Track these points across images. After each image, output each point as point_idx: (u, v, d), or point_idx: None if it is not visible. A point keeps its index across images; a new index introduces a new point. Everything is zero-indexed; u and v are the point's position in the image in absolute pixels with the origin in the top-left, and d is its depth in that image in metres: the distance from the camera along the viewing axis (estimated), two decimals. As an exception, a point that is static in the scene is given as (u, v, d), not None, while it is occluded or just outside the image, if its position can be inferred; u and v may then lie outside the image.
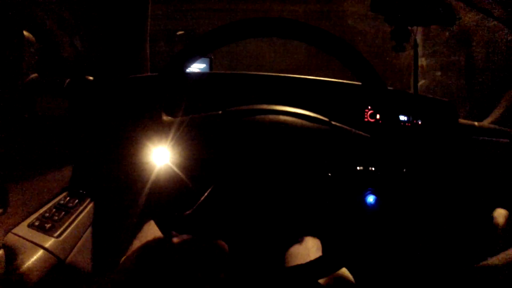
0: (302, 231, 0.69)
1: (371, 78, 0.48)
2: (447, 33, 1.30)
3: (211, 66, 0.93)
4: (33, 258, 0.59)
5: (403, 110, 0.73)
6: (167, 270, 0.52)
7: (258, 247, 0.66)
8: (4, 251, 0.58)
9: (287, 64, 1.69)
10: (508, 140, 0.77)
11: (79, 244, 0.67)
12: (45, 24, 0.75)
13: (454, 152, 0.74)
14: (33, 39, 0.68)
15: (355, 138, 0.53)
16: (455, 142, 0.74)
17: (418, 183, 0.72)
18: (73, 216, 0.67)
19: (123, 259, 0.56)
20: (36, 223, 0.63)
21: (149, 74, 0.86)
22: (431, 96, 0.77)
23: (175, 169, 0.54)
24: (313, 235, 0.69)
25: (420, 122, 0.72)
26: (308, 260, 0.50)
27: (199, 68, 0.92)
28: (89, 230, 0.71)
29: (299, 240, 0.66)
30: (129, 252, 0.59)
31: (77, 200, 0.69)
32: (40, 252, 0.60)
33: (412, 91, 0.76)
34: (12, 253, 0.58)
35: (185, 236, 0.57)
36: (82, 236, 0.68)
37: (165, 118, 0.51)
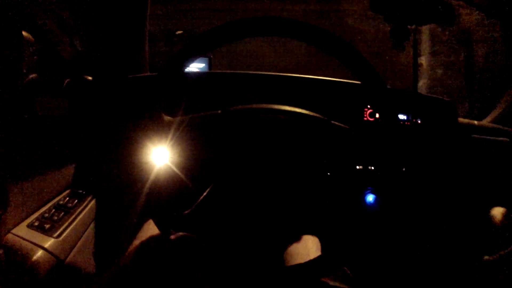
0: (302, 230, 0.69)
1: (370, 77, 0.48)
2: (447, 32, 1.30)
3: (210, 65, 0.92)
4: (33, 258, 0.59)
5: (403, 109, 0.73)
6: (167, 269, 0.52)
7: (258, 246, 0.66)
8: (4, 251, 0.58)
9: (287, 64, 1.69)
10: (508, 139, 0.77)
11: (79, 244, 0.67)
12: (45, 24, 0.75)
13: (453, 151, 0.74)
14: (32, 39, 0.68)
15: (335, 130, 0.53)
16: (454, 141, 0.74)
17: (418, 182, 0.72)
18: (73, 216, 0.67)
19: (122, 258, 0.56)
20: (36, 224, 0.63)
21: (148, 74, 0.86)
22: (431, 95, 0.77)
23: (175, 169, 0.54)
24: (313, 234, 0.69)
25: (419, 121, 0.72)
26: (308, 259, 0.50)
27: (198, 68, 0.92)
28: (89, 230, 0.71)
29: (298, 239, 0.66)
30: (128, 252, 0.59)
31: (76, 200, 0.69)
32: (40, 252, 0.60)
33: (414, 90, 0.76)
34: (12, 253, 0.58)
35: (184, 236, 0.57)
36: (82, 236, 0.68)
37: (164, 117, 0.51)
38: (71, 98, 0.74)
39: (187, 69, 0.79)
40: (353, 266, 0.61)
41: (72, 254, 0.65)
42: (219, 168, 0.61)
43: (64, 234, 0.64)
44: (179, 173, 0.55)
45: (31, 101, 0.70)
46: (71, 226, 0.66)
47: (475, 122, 0.81)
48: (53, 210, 0.67)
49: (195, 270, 0.53)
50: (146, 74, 0.86)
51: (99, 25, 0.81)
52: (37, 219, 0.65)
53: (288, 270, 0.50)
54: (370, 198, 0.67)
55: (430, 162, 0.73)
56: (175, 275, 0.52)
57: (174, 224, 0.50)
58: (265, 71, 0.76)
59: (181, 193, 0.59)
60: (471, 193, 0.75)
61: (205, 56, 0.92)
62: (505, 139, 0.78)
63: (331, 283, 0.56)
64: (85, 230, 0.69)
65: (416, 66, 0.78)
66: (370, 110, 0.72)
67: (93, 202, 0.72)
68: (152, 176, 0.56)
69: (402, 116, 0.72)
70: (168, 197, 0.52)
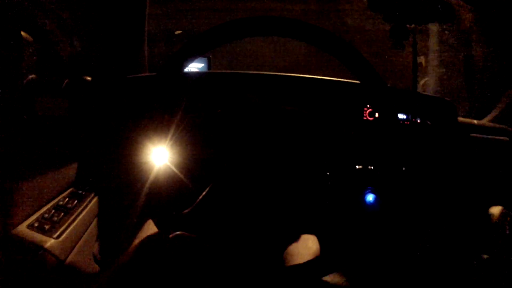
0: (302, 230, 0.69)
1: (369, 76, 0.48)
2: (447, 32, 1.30)
3: (209, 65, 0.93)
4: (33, 259, 0.59)
5: (402, 108, 0.73)
6: (167, 269, 0.52)
7: (257, 245, 0.66)
8: (4, 251, 0.58)
9: (286, 63, 1.69)
10: (508, 139, 0.77)
11: (79, 244, 0.67)
12: (44, 24, 0.75)
13: (453, 150, 0.74)
14: (32, 39, 0.69)
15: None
16: (454, 140, 0.74)
17: (418, 181, 0.72)
18: (73, 217, 0.67)
19: (122, 258, 0.56)
20: (36, 224, 0.64)
21: (147, 74, 0.86)
22: (431, 94, 0.77)
23: (174, 169, 0.54)
24: (313, 234, 0.69)
25: (419, 121, 0.72)
26: (308, 259, 0.50)
27: (198, 68, 0.92)
28: (89, 230, 0.71)
29: (298, 239, 0.66)
30: (128, 252, 0.59)
31: (76, 201, 0.69)
32: (40, 252, 0.60)
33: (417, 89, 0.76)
34: (11, 254, 0.59)
35: (184, 235, 0.57)
36: (82, 237, 0.68)
37: (163, 118, 0.51)
38: (70, 98, 0.74)
39: (186, 69, 0.79)
40: (353, 266, 0.61)
41: (72, 254, 0.65)
42: (218, 167, 0.61)
43: (64, 235, 0.64)
44: (179, 173, 0.55)
45: (31, 101, 0.70)
46: (71, 227, 0.66)
47: (475, 121, 0.81)
48: (53, 210, 0.67)
49: (195, 270, 0.53)
50: (145, 74, 0.86)
51: (98, 25, 0.81)
52: (37, 219, 0.65)
53: (288, 270, 0.50)
54: (370, 197, 0.67)
55: (430, 162, 0.73)
56: (175, 275, 0.52)
57: (174, 223, 0.50)
58: (265, 71, 0.76)
59: (181, 193, 0.59)
60: (471, 192, 0.75)
61: (204, 56, 0.92)
62: (505, 138, 0.78)
63: (331, 283, 0.56)
64: (85, 231, 0.70)
65: (416, 65, 0.78)
66: (370, 110, 0.72)
67: (93, 202, 0.72)
68: (151, 176, 0.56)
69: (401, 116, 0.72)
70: (167, 197, 0.52)
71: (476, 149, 0.76)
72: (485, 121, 0.88)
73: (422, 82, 1.46)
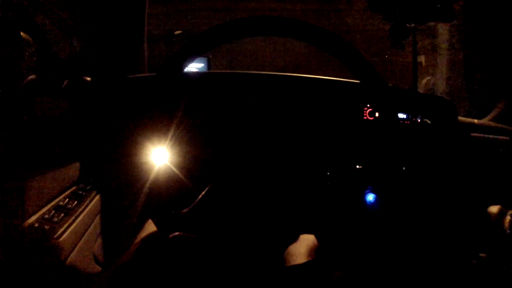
0: (302, 230, 0.69)
1: (369, 76, 0.48)
2: (446, 31, 1.30)
3: (209, 65, 0.93)
4: (33, 259, 0.59)
5: (402, 108, 0.73)
6: (167, 269, 0.52)
7: (257, 245, 0.66)
8: (4, 251, 0.58)
9: (286, 63, 1.69)
10: (508, 138, 0.77)
11: (79, 244, 0.67)
12: (44, 24, 0.75)
13: (453, 150, 0.74)
14: (31, 40, 0.69)
15: None
16: (454, 140, 0.74)
17: (418, 181, 0.72)
18: (73, 217, 0.67)
19: (122, 258, 0.56)
20: (36, 225, 0.63)
21: (147, 74, 0.86)
22: (431, 93, 0.77)
23: (174, 169, 0.54)
24: (313, 234, 0.69)
25: (419, 120, 0.72)
26: (308, 259, 0.50)
27: (197, 68, 0.92)
28: (89, 230, 0.71)
29: (298, 239, 0.66)
30: (128, 252, 0.59)
31: (76, 201, 0.69)
32: (40, 252, 0.60)
33: (419, 89, 0.76)
34: (11, 254, 0.59)
35: (184, 235, 0.57)
36: (82, 237, 0.68)
37: (163, 118, 0.51)
38: (70, 99, 0.74)
39: (186, 69, 0.79)
40: (353, 266, 0.61)
41: (72, 254, 0.65)
42: (218, 167, 0.61)
43: (64, 235, 0.64)
44: (179, 173, 0.55)
45: (31, 101, 0.70)
46: (71, 227, 0.66)
47: (475, 121, 0.81)
48: (53, 211, 0.67)
49: (195, 270, 0.53)
50: (144, 74, 0.86)
51: (98, 25, 0.81)
52: (37, 220, 0.65)
53: (288, 270, 0.50)
54: (370, 197, 0.67)
55: (430, 161, 0.73)
56: (175, 275, 0.52)
57: (173, 223, 0.50)
58: (265, 71, 0.76)
59: (181, 193, 0.59)
60: (471, 192, 0.75)
61: (204, 56, 0.92)
62: (505, 137, 0.77)
63: (331, 283, 0.56)
64: (85, 231, 0.70)
65: (416, 65, 0.78)
66: (370, 109, 0.72)
67: (93, 202, 0.72)
68: (152, 176, 0.56)
69: (401, 115, 0.72)
70: (167, 197, 0.52)
71: (476, 148, 0.76)
72: (485, 120, 0.88)
73: (424, 81, 1.46)
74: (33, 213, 0.65)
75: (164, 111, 0.51)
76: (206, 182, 0.61)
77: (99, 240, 0.73)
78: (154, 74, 0.50)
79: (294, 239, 0.66)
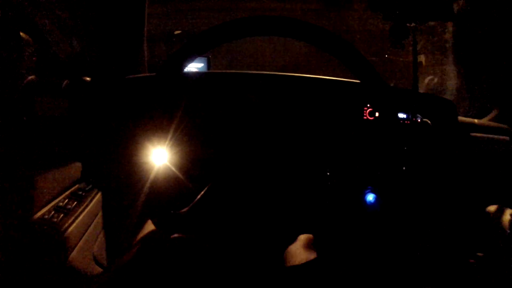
0: (302, 230, 0.69)
1: (369, 76, 0.48)
2: (446, 30, 1.30)
3: (209, 65, 0.92)
4: (33, 259, 0.59)
5: (402, 107, 0.73)
6: (167, 269, 0.52)
7: (256, 245, 0.66)
8: (4, 252, 0.58)
9: (286, 63, 1.69)
10: (508, 138, 0.77)
11: (79, 245, 0.67)
12: (44, 24, 0.75)
13: (453, 149, 0.74)
14: (31, 40, 0.69)
15: None
16: (454, 139, 0.74)
17: (418, 181, 0.72)
18: (73, 218, 0.67)
19: (122, 258, 0.57)
20: (36, 225, 0.63)
21: (146, 74, 0.86)
22: (432, 93, 0.77)
23: (173, 169, 0.54)
24: (313, 234, 0.69)
25: (419, 120, 0.72)
26: (307, 259, 0.50)
27: (197, 68, 0.92)
28: (89, 231, 0.71)
29: (298, 239, 0.66)
30: (128, 252, 0.59)
31: (76, 202, 0.69)
32: (40, 253, 0.60)
33: (419, 89, 0.76)
34: (11, 254, 0.59)
35: (183, 235, 0.57)
36: (82, 237, 0.68)
37: (163, 118, 0.51)
38: (70, 99, 0.74)
39: (186, 69, 0.79)
40: (353, 266, 0.61)
41: (72, 254, 0.65)
42: (218, 167, 0.61)
43: (65, 235, 0.64)
44: (178, 173, 0.55)
45: (31, 102, 0.70)
46: (71, 228, 0.66)
47: (475, 120, 0.81)
48: (53, 211, 0.67)
49: (195, 271, 0.53)
50: (144, 74, 0.86)
51: (98, 25, 0.81)
52: (37, 220, 0.65)
53: (288, 270, 0.50)
54: (370, 197, 0.67)
55: (430, 161, 0.73)
56: (175, 275, 0.52)
57: (173, 222, 0.51)
58: (265, 71, 0.76)
59: (180, 192, 0.59)
60: (471, 192, 0.75)
61: (203, 56, 0.92)
62: (505, 137, 0.77)
63: (331, 283, 0.56)
64: (85, 231, 0.70)
65: (416, 64, 0.78)
66: (370, 109, 0.72)
67: (93, 203, 0.72)
68: (151, 176, 0.56)
69: (401, 115, 0.72)
70: (167, 197, 0.52)
71: (476, 148, 0.76)
72: (485, 120, 0.88)
73: (426, 80, 1.45)
74: (33, 214, 0.65)
75: (164, 111, 0.51)
76: (205, 182, 0.61)
77: (99, 240, 0.73)
78: (154, 74, 0.50)
79: (294, 239, 0.66)
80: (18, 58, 0.64)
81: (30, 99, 0.70)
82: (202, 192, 0.59)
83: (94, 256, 0.71)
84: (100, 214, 0.74)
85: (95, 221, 0.72)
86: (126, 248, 0.64)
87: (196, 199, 0.58)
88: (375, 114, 0.72)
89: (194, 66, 0.92)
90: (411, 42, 0.77)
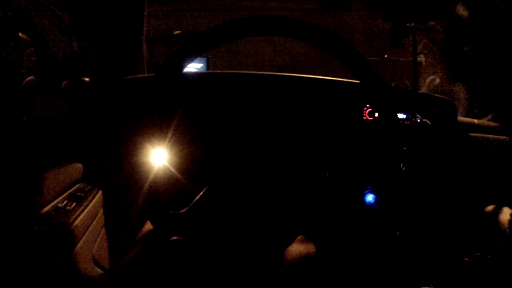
0: (301, 230, 0.69)
1: (369, 76, 0.48)
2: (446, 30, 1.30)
3: (208, 65, 0.92)
4: (33, 259, 0.59)
5: (402, 108, 0.73)
6: (166, 269, 0.52)
7: (256, 245, 0.66)
8: (4, 252, 0.58)
9: (286, 63, 1.69)
10: (508, 138, 0.77)
11: (79, 245, 0.67)
12: (44, 24, 0.75)
13: (453, 149, 0.74)
14: (30, 40, 0.68)
15: None
16: (454, 139, 0.74)
17: (418, 181, 0.72)
18: (73, 218, 0.67)
19: (122, 258, 0.57)
20: (36, 225, 0.63)
21: (145, 75, 0.86)
22: (431, 93, 0.77)
23: (173, 170, 0.54)
24: (313, 234, 0.69)
25: (419, 120, 0.72)
26: (307, 259, 0.50)
27: (197, 68, 0.92)
28: (89, 231, 0.71)
29: (298, 239, 0.66)
30: (128, 252, 0.59)
31: (75, 203, 0.69)
32: (40, 253, 0.60)
33: (421, 89, 0.76)
34: (11, 254, 0.59)
35: (182, 236, 0.57)
36: (82, 238, 0.68)
37: (163, 118, 0.51)
38: (70, 99, 0.74)
39: (185, 69, 0.79)
40: (353, 266, 0.61)
41: (72, 255, 0.65)
42: (218, 167, 0.61)
43: (65, 235, 0.64)
44: (177, 174, 0.55)
45: (30, 102, 0.70)
46: (71, 228, 0.66)
47: (475, 120, 0.81)
48: (53, 212, 0.67)
49: (195, 271, 0.53)
50: (143, 75, 0.86)
51: (97, 25, 0.81)
52: (37, 220, 0.65)
53: (287, 270, 0.50)
54: (370, 197, 0.67)
55: (430, 161, 0.73)
56: (174, 275, 0.52)
57: (171, 223, 0.50)
58: (264, 71, 0.76)
59: (179, 193, 0.59)
60: (471, 192, 0.75)
61: (203, 56, 0.92)
62: (505, 137, 0.77)
63: (331, 283, 0.56)
64: (85, 232, 0.70)
65: (416, 64, 0.78)
66: (370, 109, 0.72)
67: (92, 203, 0.72)
68: (151, 177, 0.56)
69: (401, 115, 0.72)
70: (166, 197, 0.52)
71: (476, 148, 0.76)
72: (485, 120, 0.88)
73: (427, 80, 1.45)
74: (33, 214, 0.65)
75: (163, 112, 0.51)
76: (204, 182, 0.61)
77: (99, 241, 0.73)
78: (153, 74, 0.50)
79: (294, 239, 0.66)
80: (18, 58, 0.64)
81: (29, 99, 0.70)
82: (201, 193, 0.58)
83: (94, 256, 0.71)
84: (100, 214, 0.74)
85: (95, 221, 0.72)
86: (126, 248, 0.64)
87: (195, 199, 0.58)
88: (374, 114, 0.72)
89: (194, 66, 0.92)
90: (411, 42, 0.77)
